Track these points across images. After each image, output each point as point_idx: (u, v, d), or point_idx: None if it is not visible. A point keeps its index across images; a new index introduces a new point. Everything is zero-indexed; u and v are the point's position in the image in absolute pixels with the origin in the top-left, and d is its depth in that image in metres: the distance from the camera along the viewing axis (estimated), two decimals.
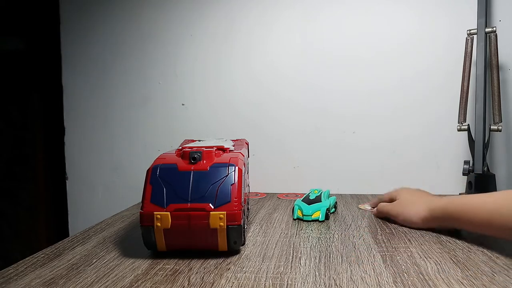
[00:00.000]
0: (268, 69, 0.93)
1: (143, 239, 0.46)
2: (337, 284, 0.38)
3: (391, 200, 0.65)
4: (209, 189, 0.45)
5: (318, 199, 0.66)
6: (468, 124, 0.78)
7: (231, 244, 0.45)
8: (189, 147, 0.52)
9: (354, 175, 0.91)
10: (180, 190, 0.45)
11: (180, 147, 0.54)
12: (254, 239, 0.54)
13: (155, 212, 0.44)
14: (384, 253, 0.47)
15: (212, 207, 0.44)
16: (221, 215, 0.43)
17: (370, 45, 0.89)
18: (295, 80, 0.92)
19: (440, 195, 0.60)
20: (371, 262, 0.44)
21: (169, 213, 0.44)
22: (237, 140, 0.70)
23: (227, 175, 0.46)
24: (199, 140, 0.68)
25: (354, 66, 0.90)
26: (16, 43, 1.09)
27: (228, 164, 0.47)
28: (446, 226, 0.55)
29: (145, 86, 0.98)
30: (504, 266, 0.42)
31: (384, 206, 0.64)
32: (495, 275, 0.40)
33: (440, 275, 0.40)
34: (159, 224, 0.44)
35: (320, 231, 0.57)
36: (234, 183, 0.45)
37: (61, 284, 0.40)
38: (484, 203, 0.48)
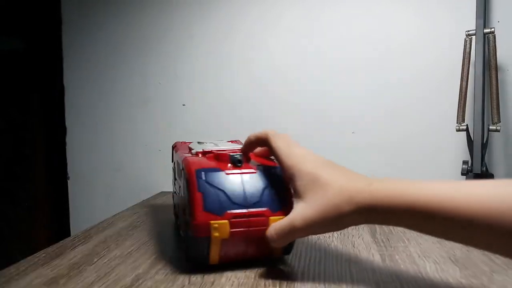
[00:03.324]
0: (268, 69, 0.93)
1: (190, 253, 0.41)
2: (337, 283, 0.38)
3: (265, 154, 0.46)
4: (263, 193, 0.41)
5: None
6: (467, 124, 0.78)
7: (286, 249, 0.43)
8: (217, 150, 0.47)
9: None
10: (233, 196, 0.40)
11: (193, 150, 0.49)
12: None
13: (211, 221, 0.39)
14: (383, 252, 0.47)
15: (271, 212, 0.40)
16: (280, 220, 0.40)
17: (369, 45, 0.89)
18: (295, 80, 0.92)
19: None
20: (370, 261, 0.44)
21: (227, 221, 0.39)
22: (234, 141, 0.68)
23: (277, 177, 0.42)
24: (200, 142, 0.62)
25: (354, 66, 0.90)
26: (17, 43, 1.09)
27: (274, 166, 0.43)
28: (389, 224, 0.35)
29: (146, 86, 0.98)
30: (503, 266, 0.42)
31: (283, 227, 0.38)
32: (494, 274, 0.40)
33: (439, 275, 0.40)
34: (217, 234, 0.39)
35: None
36: (286, 185, 0.42)
37: (62, 283, 0.40)
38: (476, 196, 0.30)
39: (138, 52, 0.98)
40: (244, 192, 0.41)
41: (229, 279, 0.39)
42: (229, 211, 0.39)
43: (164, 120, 0.98)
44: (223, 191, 0.40)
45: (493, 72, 0.77)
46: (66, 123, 1.01)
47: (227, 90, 0.95)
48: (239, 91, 0.94)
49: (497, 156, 0.85)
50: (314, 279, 0.39)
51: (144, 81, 0.98)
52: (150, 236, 0.56)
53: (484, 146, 0.75)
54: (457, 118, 0.80)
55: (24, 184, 1.11)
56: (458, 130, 0.79)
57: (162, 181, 0.96)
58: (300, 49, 0.92)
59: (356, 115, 0.90)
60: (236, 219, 0.39)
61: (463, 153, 0.86)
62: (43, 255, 0.49)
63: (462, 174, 0.77)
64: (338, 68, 0.90)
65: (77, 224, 1.01)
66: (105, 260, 0.46)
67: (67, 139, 1.02)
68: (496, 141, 0.85)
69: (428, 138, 0.88)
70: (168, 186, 0.96)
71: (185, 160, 0.44)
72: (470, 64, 0.79)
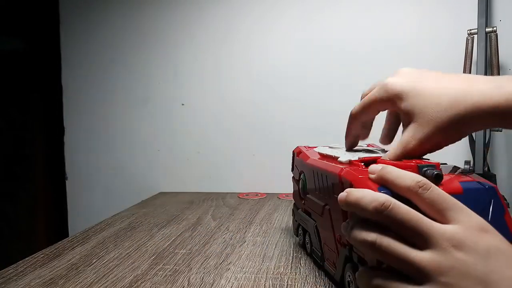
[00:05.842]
0: (268, 68, 0.93)
1: None
2: (337, 284, 0.38)
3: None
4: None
5: None
6: None
7: None
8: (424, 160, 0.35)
9: None
10: None
11: (362, 159, 0.37)
12: (254, 239, 0.54)
13: None
14: None
15: None
16: None
17: (371, 45, 0.89)
18: (295, 79, 0.92)
19: None
20: None
21: None
22: (370, 145, 0.51)
23: (492, 203, 0.31)
24: (332, 147, 0.50)
25: (355, 66, 0.89)
26: (16, 43, 1.09)
27: (485, 186, 0.32)
28: None
29: (145, 86, 0.98)
30: None
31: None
32: None
33: None
34: None
35: None
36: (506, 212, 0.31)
37: (60, 284, 0.39)
38: None
39: (137, 51, 0.98)
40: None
41: (229, 281, 0.39)
42: None
43: (163, 120, 0.97)
44: None
45: (495, 71, 0.77)
46: (64, 123, 1.01)
47: (226, 89, 0.94)
48: (239, 90, 0.94)
49: (499, 156, 0.85)
50: (315, 280, 0.39)
51: (143, 80, 0.98)
52: (149, 237, 0.56)
53: (486, 146, 0.75)
54: None
55: (24, 184, 1.11)
56: None
57: (161, 181, 0.96)
58: (299, 49, 0.91)
59: None
60: None
61: (465, 153, 0.85)
62: (42, 256, 0.48)
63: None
64: (339, 68, 0.90)
65: (75, 225, 1.01)
66: (104, 261, 0.46)
67: (65, 139, 1.01)
68: (498, 141, 0.85)
69: None
70: (167, 187, 0.96)
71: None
72: (472, 63, 0.79)
